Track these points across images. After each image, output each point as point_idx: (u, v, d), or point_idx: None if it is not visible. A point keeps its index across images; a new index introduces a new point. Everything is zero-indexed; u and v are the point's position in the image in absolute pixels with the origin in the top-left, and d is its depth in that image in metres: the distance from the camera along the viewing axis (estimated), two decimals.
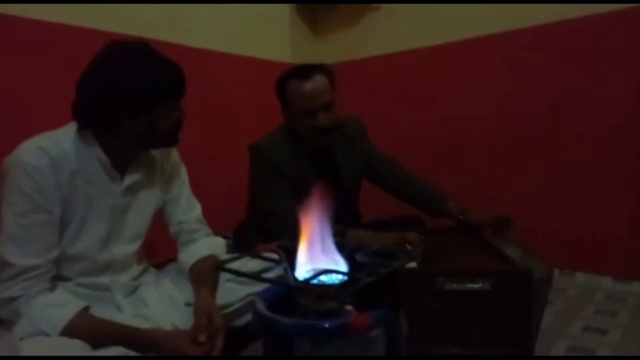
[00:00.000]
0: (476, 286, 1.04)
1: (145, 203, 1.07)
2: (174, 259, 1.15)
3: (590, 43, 1.64)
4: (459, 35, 1.95)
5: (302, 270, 0.69)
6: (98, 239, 0.97)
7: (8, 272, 0.84)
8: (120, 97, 0.89)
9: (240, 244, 1.52)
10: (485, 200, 1.74)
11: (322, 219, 0.70)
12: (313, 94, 1.33)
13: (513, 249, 1.21)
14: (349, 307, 0.66)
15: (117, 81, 0.88)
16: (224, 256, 1.13)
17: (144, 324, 0.93)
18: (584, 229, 1.70)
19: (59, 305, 0.85)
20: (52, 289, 0.88)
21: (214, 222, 1.22)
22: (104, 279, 0.99)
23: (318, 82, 1.33)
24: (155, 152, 1.07)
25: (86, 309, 0.88)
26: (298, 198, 1.33)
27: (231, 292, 1.08)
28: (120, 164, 0.99)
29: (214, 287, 1.03)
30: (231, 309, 1.07)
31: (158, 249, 1.26)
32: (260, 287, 0.74)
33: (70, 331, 0.82)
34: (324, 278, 0.65)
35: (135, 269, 1.08)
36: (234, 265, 0.73)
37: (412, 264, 1.11)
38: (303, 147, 1.42)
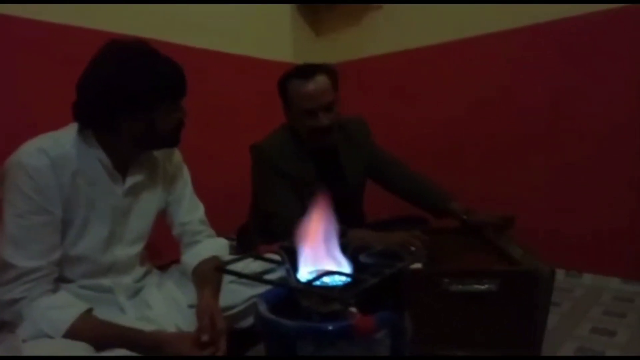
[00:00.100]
0: (482, 287, 1.02)
1: (148, 204, 1.06)
2: (177, 260, 1.15)
3: (590, 42, 1.62)
4: (459, 35, 1.94)
5: (305, 271, 0.68)
6: (100, 240, 0.96)
7: (10, 274, 0.83)
8: (120, 95, 0.88)
9: (244, 245, 1.51)
10: (485, 200, 1.73)
11: (327, 219, 0.69)
12: (314, 94, 1.32)
13: (515, 249, 1.20)
14: (353, 309, 0.65)
15: (117, 79, 0.88)
16: (227, 258, 1.13)
17: (147, 326, 0.92)
18: (585, 228, 1.69)
19: (62, 307, 0.84)
20: (54, 290, 0.88)
21: (217, 222, 1.21)
22: (106, 281, 0.99)
23: (319, 82, 1.33)
24: (157, 153, 1.06)
25: (89, 311, 0.87)
26: (300, 199, 1.33)
27: (234, 293, 1.07)
28: (121, 165, 0.99)
29: (216, 289, 1.03)
30: (235, 310, 1.06)
31: (161, 251, 1.26)
32: (264, 288, 0.73)
33: (73, 333, 0.81)
34: (327, 279, 0.64)
35: (138, 271, 1.07)
36: (237, 267, 0.72)
37: (417, 265, 1.10)
38: (305, 147, 1.42)
